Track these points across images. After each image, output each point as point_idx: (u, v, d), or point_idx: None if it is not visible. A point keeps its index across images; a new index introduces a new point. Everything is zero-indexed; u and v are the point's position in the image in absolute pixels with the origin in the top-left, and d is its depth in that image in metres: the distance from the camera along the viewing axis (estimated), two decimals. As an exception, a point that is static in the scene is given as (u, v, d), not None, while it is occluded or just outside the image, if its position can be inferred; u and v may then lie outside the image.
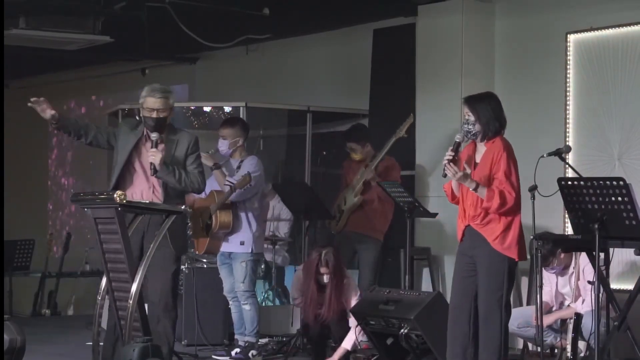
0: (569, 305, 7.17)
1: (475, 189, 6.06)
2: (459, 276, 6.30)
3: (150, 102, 6.65)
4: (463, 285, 6.25)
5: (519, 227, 6.17)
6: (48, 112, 6.51)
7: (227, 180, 7.97)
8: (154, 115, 6.64)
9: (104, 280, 6.40)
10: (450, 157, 6.10)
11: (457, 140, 6.19)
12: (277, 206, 9.81)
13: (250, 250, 8.01)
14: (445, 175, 6.16)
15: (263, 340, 8.63)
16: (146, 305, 6.48)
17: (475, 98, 6.31)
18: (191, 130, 10.98)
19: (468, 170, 6.07)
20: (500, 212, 6.07)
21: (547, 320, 7.07)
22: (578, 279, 7.15)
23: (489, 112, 6.21)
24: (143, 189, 6.68)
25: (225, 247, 8.05)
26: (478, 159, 6.23)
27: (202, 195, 8.07)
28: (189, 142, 6.72)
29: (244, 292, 8.01)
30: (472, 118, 6.19)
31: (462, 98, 6.43)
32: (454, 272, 6.40)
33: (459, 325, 6.24)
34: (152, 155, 6.55)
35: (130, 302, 6.00)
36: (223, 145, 8.15)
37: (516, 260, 6.15)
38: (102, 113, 11.90)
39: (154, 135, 6.62)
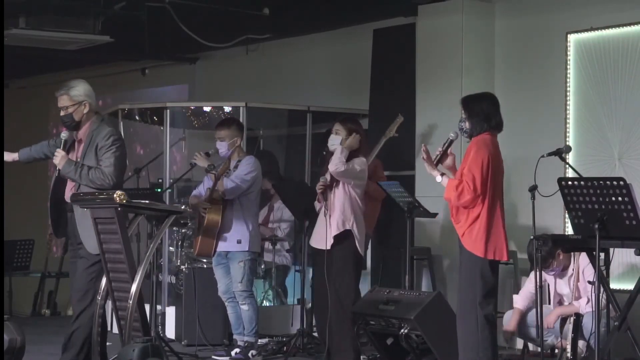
0: (571, 303, 7.16)
1: (441, 180, 6.30)
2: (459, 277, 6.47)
3: (58, 100, 6.70)
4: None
5: (486, 225, 6.24)
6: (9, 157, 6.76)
7: (211, 173, 8.00)
8: (62, 113, 6.67)
9: (104, 280, 6.41)
10: (440, 153, 6.38)
11: (450, 138, 6.41)
12: (280, 207, 9.82)
13: (247, 249, 8.01)
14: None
15: (263, 341, 8.64)
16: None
17: (470, 97, 6.55)
18: (191, 130, 11.02)
19: (422, 152, 6.37)
20: (460, 204, 6.24)
21: (549, 320, 7.07)
22: (578, 280, 7.14)
23: (480, 112, 6.38)
24: (67, 189, 6.71)
25: (222, 247, 8.04)
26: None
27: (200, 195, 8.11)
28: (100, 136, 6.63)
29: (242, 292, 8.00)
30: (464, 116, 6.43)
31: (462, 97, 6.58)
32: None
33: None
34: (55, 156, 6.60)
35: (130, 302, 6.01)
36: (222, 147, 8.15)
37: (482, 257, 6.21)
38: (102, 113, 11.89)
39: (62, 135, 6.66)
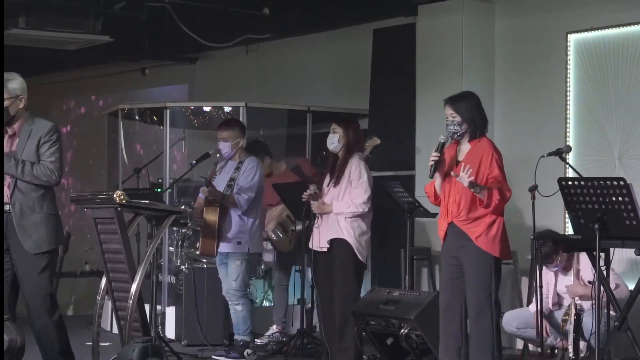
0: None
1: (479, 192, 6.12)
2: (446, 277, 6.42)
3: None
4: (452, 286, 6.37)
5: (502, 226, 6.27)
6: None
7: (202, 177, 8.04)
8: None
9: (103, 280, 6.41)
10: (436, 158, 6.25)
11: (441, 141, 6.32)
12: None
13: (246, 250, 8.02)
14: (432, 176, 6.33)
15: (263, 340, 8.65)
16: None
17: (458, 98, 6.42)
18: (191, 130, 11.02)
19: (465, 175, 6.08)
20: (498, 208, 6.17)
21: (576, 291, 7.01)
22: (578, 278, 7.15)
23: (473, 111, 6.33)
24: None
25: (223, 247, 8.06)
26: (460, 157, 6.34)
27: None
28: (43, 131, 6.40)
29: (235, 291, 8.00)
30: (457, 119, 6.31)
31: (443, 100, 6.44)
32: (441, 273, 6.53)
33: (451, 325, 6.36)
34: None
35: (130, 302, 6.01)
36: (225, 147, 8.15)
37: (499, 257, 6.24)
38: (101, 113, 11.91)
39: None
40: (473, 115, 6.31)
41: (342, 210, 7.44)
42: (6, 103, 6.37)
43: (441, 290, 6.54)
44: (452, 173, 6.22)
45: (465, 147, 6.35)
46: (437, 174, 6.35)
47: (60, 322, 6.47)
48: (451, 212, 6.31)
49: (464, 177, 6.07)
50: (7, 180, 6.39)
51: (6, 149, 6.37)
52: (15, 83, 6.43)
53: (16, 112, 6.42)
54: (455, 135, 6.33)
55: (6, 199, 6.38)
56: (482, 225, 6.21)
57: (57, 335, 6.45)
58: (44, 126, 6.42)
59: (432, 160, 6.26)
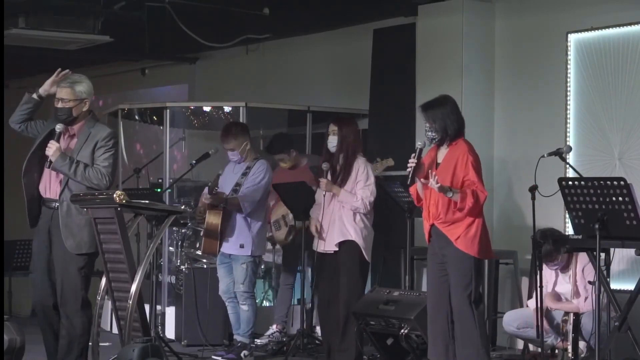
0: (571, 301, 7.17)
1: (452, 195, 6.27)
2: (432, 277, 6.57)
3: (58, 91, 6.68)
4: (437, 285, 6.52)
5: (481, 227, 6.40)
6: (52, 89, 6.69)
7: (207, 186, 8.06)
8: (59, 105, 6.64)
9: (103, 280, 6.41)
10: (414, 165, 6.33)
11: (419, 147, 6.41)
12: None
13: (249, 253, 8.02)
14: (411, 183, 6.46)
15: (263, 340, 8.65)
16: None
17: (431, 106, 6.52)
18: (191, 130, 11.02)
19: (433, 181, 6.22)
20: (473, 210, 6.30)
21: (555, 306, 7.06)
22: (576, 279, 7.15)
23: (444, 117, 6.44)
24: (47, 182, 6.61)
25: (225, 249, 8.06)
26: (440, 159, 6.49)
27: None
28: (100, 136, 6.57)
29: (243, 292, 8.03)
30: (432, 125, 6.45)
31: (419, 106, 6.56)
32: (427, 272, 6.70)
33: (438, 324, 6.50)
34: (49, 147, 6.50)
35: (130, 302, 6.01)
36: (235, 156, 8.14)
37: (476, 256, 6.37)
38: (102, 113, 11.89)
39: (58, 127, 6.56)
40: (445, 123, 6.43)
41: (348, 201, 7.45)
42: (71, 104, 6.60)
43: (428, 289, 6.69)
44: (422, 180, 6.39)
45: (444, 149, 6.49)
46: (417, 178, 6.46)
47: (87, 326, 6.52)
48: (432, 215, 6.48)
49: (433, 183, 6.22)
50: (59, 177, 6.55)
51: (63, 147, 6.55)
52: (82, 86, 6.64)
53: (78, 114, 6.62)
54: (434, 141, 6.48)
55: (55, 195, 6.54)
56: (461, 226, 6.36)
57: (79, 337, 6.51)
58: (102, 131, 6.62)
59: (410, 168, 6.35)
